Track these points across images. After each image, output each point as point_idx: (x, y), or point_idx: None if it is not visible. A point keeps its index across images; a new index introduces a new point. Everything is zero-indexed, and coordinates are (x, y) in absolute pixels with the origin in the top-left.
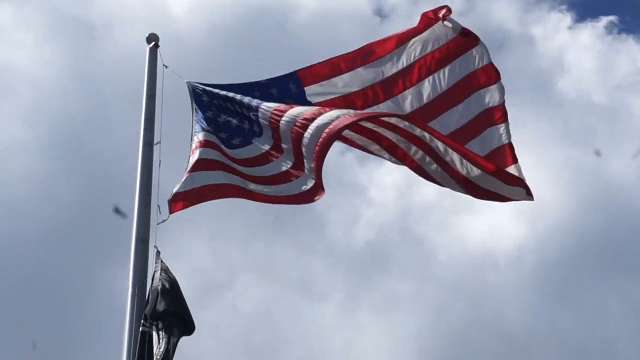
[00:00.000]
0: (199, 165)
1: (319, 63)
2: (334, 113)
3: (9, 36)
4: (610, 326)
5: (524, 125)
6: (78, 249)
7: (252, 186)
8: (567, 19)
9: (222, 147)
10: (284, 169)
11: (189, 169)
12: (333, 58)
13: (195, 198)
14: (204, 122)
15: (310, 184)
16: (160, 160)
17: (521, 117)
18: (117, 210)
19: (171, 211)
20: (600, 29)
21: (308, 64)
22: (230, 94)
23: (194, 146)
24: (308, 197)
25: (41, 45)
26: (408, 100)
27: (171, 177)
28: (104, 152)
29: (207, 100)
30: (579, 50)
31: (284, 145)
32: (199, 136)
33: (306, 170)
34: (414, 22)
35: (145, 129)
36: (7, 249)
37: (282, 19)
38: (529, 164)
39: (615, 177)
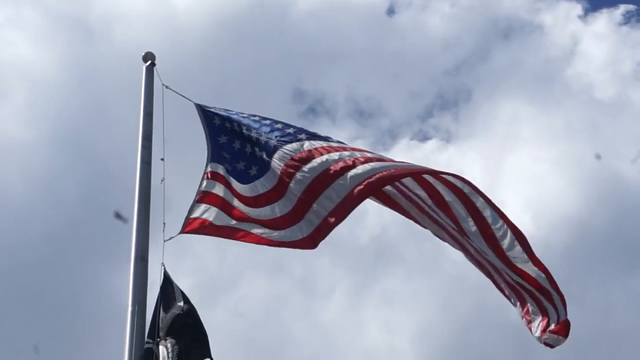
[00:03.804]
0: (205, 199)
1: None
2: (367, 167)
3: (6, 36)
4: (616, 321)
5: (527, 119)
6: (79, 249)
7: (257, 230)
8: (578, 7)
9: (230, 179)
10: (282, 213)
11: (197, 198)
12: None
13: (202, 228)
14: (216, 150)
15: (306, 233)
16: (164, 178)
17: (525, 112)
18: (117, 215)
19: (183, 231)
20: (618, 17)
21: (309, 57)
22: (244, 120)
23: (205, 174)
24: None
25: (39, 45)
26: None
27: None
28: (104, 151)
29: (219, 124)
30: (592, 39)
31: (289, 189)
32: (208, 167)
33: (305, 218)
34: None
35: (143, 147)
36: (7, 248)
37: (284, 10)
38: (532, 159)
39: (619, 172)
